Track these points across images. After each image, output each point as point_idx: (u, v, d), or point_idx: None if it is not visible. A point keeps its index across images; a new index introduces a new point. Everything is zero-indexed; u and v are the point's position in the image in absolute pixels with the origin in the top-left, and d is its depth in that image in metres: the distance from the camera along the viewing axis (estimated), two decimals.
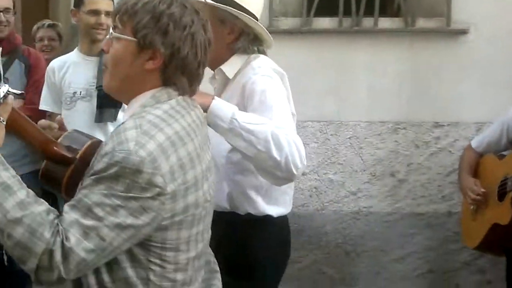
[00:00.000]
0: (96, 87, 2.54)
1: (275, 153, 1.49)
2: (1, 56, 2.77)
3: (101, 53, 2.57)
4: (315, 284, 3.40)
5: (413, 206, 3.29)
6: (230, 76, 1.80)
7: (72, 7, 2.73)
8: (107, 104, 2.53)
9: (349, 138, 3.27)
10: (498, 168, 2.53)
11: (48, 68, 2.72)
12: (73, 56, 2.70)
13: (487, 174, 2.65)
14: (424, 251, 3.32)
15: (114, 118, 2.57)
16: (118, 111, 2.56)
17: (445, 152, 3.24)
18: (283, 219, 1.88)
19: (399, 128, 3.25)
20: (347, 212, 3.32)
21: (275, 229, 1.84)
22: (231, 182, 1.79)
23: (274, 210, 1.82)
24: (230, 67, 1.80)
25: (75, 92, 2.61)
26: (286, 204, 1.89)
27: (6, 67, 2.75)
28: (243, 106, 1.65)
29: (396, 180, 3.28)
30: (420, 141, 3.25)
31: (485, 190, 2.62)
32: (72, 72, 2.64)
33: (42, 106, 2.70)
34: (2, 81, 2.63)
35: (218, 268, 1.46)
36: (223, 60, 1.80)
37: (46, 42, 3.72)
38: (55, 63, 2.70)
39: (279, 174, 1.53)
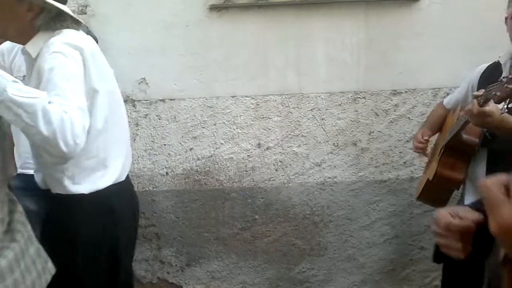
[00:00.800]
0: None
1: (42, 128, 1.47)
2: None
3: None
4: (285, 257, 3.45)
5: (376, 174, 3.35)
6: (34, 55, 1.77)
7: None
8: None
9: (310, 110, 3.30)
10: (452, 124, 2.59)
11: None
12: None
13: (446, 129, 2.72)
14: (389, 217, 3.40)
15: None
16: None
17: (404, 119, 3.31)
18: (100, 194, 1.88)
19: (358, 97, 3.29)
20: (312, 183, 3.36)
21: (89, 206, 1.86)
22: (39, 163, 1.85)
23: (84, 189, 1.84)
24: (32, 45, 1.77)
25: (25, 75, 2.50)
26: (100, 179, 1.89)
27: None
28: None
29: (359, 149, 3.34)
30: (379, 110, 3.30)
31: (439, 143, 2.72)
32: (21, 56, 2.56)
33: None
34: None
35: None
36: (30, 39, 1.77)
37: None
38: (4, 45, 2.63)
39: (51, 150, 1.52)
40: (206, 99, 3.32)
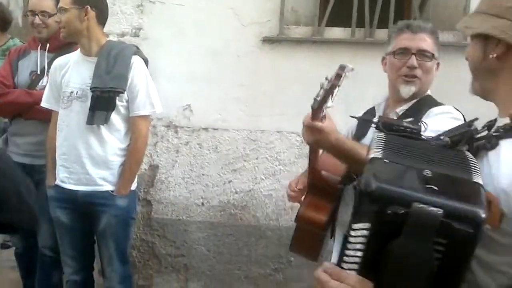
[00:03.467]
0: (90, 88, 2.47)
1: None
2: (48, 52, 2.82)
3: (99, 54, 2.52)
4: None
5: None
6: None
7: None
8: (99, 107, 2.47)
9: None
10: None
11: (52, 66, 2.66)
12: (75, 55, 2.62)
13: None
14: None
15: (105, 121, 2.48)
16: (110, 114, 2.49)
17: None
18: None
19: None
20: None
21: None
22: None
23: None
24: None
25: (72, 92, 2.53)
26: None
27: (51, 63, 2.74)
28: None
29: None
30: None
31: None
32: (71, 71, 2.57)
33: (44, 104, 2.63)
34: (45, 75, 2.75)
35: None
36: None
37: None
38: (58, 61, 2.64)
39: None
40: (250, 132, 3.22)
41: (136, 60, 2.53)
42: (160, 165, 3.32)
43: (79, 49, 2.62)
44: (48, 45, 2.82)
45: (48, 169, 2.64)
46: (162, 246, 3.36)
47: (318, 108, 1.46)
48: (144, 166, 3.27)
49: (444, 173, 0.98)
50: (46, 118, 2.65)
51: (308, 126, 1.54)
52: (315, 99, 1.43)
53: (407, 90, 1.97)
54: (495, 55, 1.09)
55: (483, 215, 0.88)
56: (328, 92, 1.43)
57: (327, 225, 2.02)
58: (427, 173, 0.95)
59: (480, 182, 0.97)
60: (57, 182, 2.58)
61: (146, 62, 2.62)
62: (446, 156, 1.06)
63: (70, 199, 2.55)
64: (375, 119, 1.39)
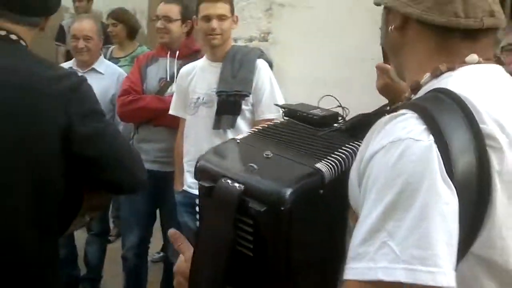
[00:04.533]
0: (216, 93, 2.45)
1: None
2: (177, 59, 2.83)
3: (224, 59, 2.50)
4: None
5: None
6: None
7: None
8: (225, 111, 2.45)
9: None
10: None
11: (179, 73, 2.67)
12: (201, 61, 2.61)
13: None
14: None
15: (232, 125, 2.45)
16: (236, 118, 2.46)
17: None
18: None
19: None
20: None
21: None
22: None
23: None
24: None
25: (198, 98, 2.52)
26: None
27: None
28: None
29: None
30: None
31: None
32: (197, 78, 2.56)
33: (171, 111, 2.64)
34: (174, 82, 2.76)
35: None
36: None
37: None
38: (185, 68, 2.64)
39: None
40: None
41: (260, 64, 2.50)
42: None
43: (204, 56, 2.62)
44: (177, 52, 2.84)
45: (176, 175, 2.65)
46: None
47: None
48: None
49: (286, 156, 0.93)
50: (175, 125, 2.66)
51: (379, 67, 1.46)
52: None
53: None
54: (393, 26, 0.94)
55: (286, 196, 0.81)
56: None
57: None
58: (267, 154, 0.93)
59: (322, 169, 0.88)
60: (185, 187, 2.58)
61: (270, 65, 2.57)
62: (316, 143, 0.99)
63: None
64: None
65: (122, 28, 3.88)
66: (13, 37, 1.39)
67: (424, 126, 0.75)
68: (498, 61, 0.91)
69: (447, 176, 0.72)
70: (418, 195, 0.71)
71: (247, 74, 2.45)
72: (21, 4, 1.41)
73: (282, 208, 0.81)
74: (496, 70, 0.88)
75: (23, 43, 1.41)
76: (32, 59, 1.42)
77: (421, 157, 0.73)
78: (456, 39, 0.87)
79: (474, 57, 0.86)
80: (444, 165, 0.72)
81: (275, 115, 2.44)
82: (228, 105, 2.45)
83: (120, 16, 3.98)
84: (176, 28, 2.79)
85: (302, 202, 0.83)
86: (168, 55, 2.85)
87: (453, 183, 0.72)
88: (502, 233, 0.76)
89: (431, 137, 0.74)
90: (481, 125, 0.76)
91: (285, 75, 2.92)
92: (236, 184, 0.86)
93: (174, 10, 2.84)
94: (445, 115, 0.76)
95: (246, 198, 0.85)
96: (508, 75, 0.89)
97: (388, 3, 0.95)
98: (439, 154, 0.73)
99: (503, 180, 0.75)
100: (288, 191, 0.82)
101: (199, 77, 2.55)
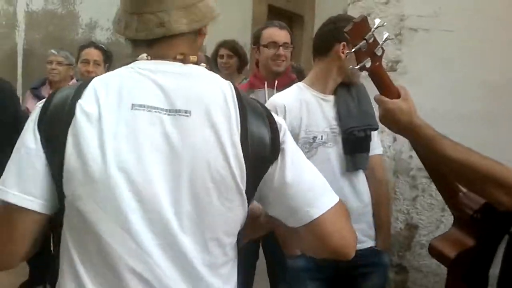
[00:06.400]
0: (345, 130, 2.18)
1: None
2: (277, 89, 2.72)
3: (337, 92, 2.24)
4: None
5: None
6: None
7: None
8: (357, 149, 2.21)
9: None
10: None
11: (286, 109, 2.25)
12: (300, 94, 2.26)
13: None
14: None
15: (366, 164, 2.23)
16: (368, 155, 2.26)
17: None
18: None
19: None
20: None
21: None
22: None
23: None
24: None
25: (315, 137, 2.19)
26: None
27: None
28: None
29: None
30: None
31: None
32: (309, 114, 2.22)
33: None
34: None
35: None
36: None
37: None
38: (289, 102, 2.24)
39: None
40: None
41: None
42: (420, 225, 2.75)
43: (301, 87, 2.28)
44: (276, 82, 2.68)
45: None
46: None
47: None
48: (399, 225, 2.76)
49: None
50: None
51: (376, 100, 1.48)
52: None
53: None
54: None
55: None
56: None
57: (457, 265, 1.68)
58: None
59: None
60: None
61: None
62: None
63: (324, 266, 2.14)
64: None
65: (236, 61, 3.86)
66: None
67: None
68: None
69: (38, 130, 1.07)
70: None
71: (369, 107, 2.22)
72: None
73: None
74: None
75: None
76: None
77: (32, 115, 1.11)
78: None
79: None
80: (39, 122, 1.08)
81: (381, 150, 2.36)
82: (360, 142, 2.20)
83: (236, 48, 3.93)
84: (288, 55, 2.71)
85: None
86: (266, 85, 2.71)
87: (41, 136, 1.06)
88: None
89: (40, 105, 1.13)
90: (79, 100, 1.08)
91: (418, 111, 2.53)
92: None
93: (288, 37, 2.77)
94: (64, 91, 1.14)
95: None
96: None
97: None
98: (38, 115, 1.09)
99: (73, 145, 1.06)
100: None
101: (311, 113, 2.22)
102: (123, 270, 1.05)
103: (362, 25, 1.41)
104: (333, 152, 2.19)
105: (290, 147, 1.17)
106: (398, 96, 1.46)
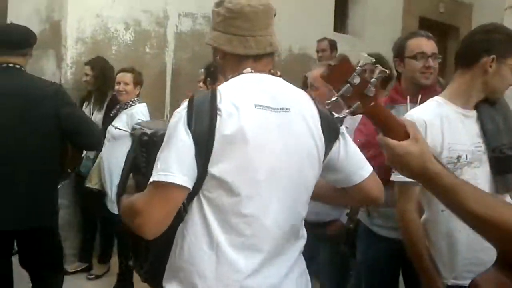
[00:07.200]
0: (495, 148, 2.04)
1: None
2: (419, 104, 2.44)
3: (480, 107, 2.07)
4: None
5: None
6: None
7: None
8: (508, 168, 2.05)
9: None
10: None
11: (427, 123, 2.09)
12: (438, 108, 2.10)
13: None
14: None
15: None
16: None
17: None
18: None
19: None
20: None
21: None
22: None
23: None
24: None
25: (459, 156, 2.02)
26: None
27: None
28: None
29: None
30: None
31: None
32: (451, 130, 2.05)
33: None
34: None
35: None
36: None
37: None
38: (427, 116, 2.08)
39: None
40: None
41: None
42: None
43: (440, 102, 2.12)
44: (420, 96, 2.46)
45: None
46: None
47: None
48: None
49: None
50: None
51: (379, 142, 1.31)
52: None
53: None
54: (218, 57, 1.63)
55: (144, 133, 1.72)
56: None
57: None
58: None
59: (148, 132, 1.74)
60: None
61: None
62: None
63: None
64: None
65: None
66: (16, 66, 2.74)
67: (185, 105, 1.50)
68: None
69: (188, 127, 1.44)
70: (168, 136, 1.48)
71: None
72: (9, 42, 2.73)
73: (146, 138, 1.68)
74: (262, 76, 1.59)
75: (23, 68, 2.78)
76: (31, 77, 2.86)
77: (176, 118, 1.48)
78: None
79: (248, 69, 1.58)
80: (188, 122, 1.44)
81: None
82: (509, 160, 2.04)
83: (382, 63, 3.67)
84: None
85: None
86: (408, 100, 2.50)
87: (190, 132, 1.44)
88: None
89: (185, 110, 1.48)
90: (217, 103, 1.46)
91: None
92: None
93: (436, 47, 2.60)
94: (199, 98, 1.50)
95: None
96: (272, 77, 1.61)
97: (208, 41, 1.68)
98: (186, 117, 1.46)
99: (220, 135, 1.44)
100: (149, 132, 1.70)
101: (454, 130, 2.05)
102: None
103: (342, 67, 1.25)
104: (481, 173, 2.02)
105: (344, 131, 1.65)
106: (406, 136, 1.26)
